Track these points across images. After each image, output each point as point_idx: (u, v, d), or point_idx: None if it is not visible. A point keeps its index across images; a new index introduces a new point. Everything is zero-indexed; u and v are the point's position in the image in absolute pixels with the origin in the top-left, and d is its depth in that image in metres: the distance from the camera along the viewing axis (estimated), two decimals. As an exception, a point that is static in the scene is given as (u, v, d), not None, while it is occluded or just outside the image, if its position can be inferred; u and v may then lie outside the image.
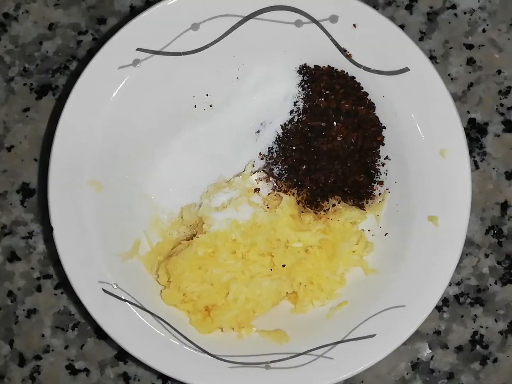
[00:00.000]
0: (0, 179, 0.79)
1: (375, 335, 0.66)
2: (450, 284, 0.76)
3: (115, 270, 0.68)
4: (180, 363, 0.66)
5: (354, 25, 0.68)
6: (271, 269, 0.69)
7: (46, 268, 0.78)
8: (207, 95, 0.74)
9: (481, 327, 0.77)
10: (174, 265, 0.68)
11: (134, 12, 0.81)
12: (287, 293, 0.70)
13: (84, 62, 0.79)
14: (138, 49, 0.69)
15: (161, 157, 0.73)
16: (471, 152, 0.78)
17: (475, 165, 0.78)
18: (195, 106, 0.74)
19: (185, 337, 0.67)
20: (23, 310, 0.78)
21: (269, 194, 0.71)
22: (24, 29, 0.82)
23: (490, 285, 0.77)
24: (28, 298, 0.78)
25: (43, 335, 0.78)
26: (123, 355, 0.76)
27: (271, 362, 0.66)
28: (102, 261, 0.68)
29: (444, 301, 0.77)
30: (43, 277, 0.78)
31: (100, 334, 0.77)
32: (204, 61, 0.71)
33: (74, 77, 0.76)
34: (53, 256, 0.78)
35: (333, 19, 0.68)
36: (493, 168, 0.78)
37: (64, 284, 0.77)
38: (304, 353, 0.66)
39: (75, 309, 0.77)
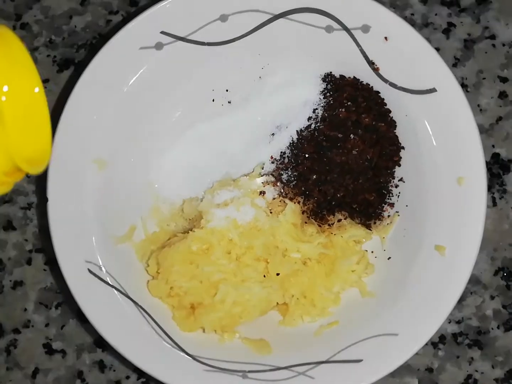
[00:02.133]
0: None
1: (361, 360, 0.63)
2: (449, 321, 0.73)
3: (105, 253, 0.66)
4: (155, 358, 0.63)
5: (386, 38, 0.66)
6: (264, 276, 0.66)
7: (39, 241, 0.77)
8: (226, 90, 0.73)
9: (476, 371, 0.73)
10: (165, 256, 0.65)
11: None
12: (277, 303, 0.67)
13: (110, 41, 0.78)
14: (162, 32, 0.67)
15: (170, 146, 0.72)
16: (490, 187, 0.75)
17: (493, 202, 0.75)
18: (213, 100, 0.73)
19: (165, 332, 0.65)
20: (10, 280, 0.76)
21: (274, 199, 0.69)
22: (56, 1, 0.82)
23: (492, 328, 0.73)
24: (16, 270, 0.77)
25: (25, 309, 0.76)
26: (102, 342, 0.74)
27: (249, 371, 0.63)
28: (94, 240, 0.66)
29: (441, 338, 0.73)
30: (35, 251, 0.77)
31: (83, 317, 0.74)
32: (228, 55, 0.70)
33: (98, 55, 0.75)
34: (48, 231, 0.76)
35: (365, 29, 0.66)
36: (511, 208, 0.74)
37: (54, 261, 0.75)
38: (285, 368, 0.63)
39: (62, 288, 0.75)
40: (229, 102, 0.73)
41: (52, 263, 0.76)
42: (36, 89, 0.39)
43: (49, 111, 0.41)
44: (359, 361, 0.63)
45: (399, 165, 0.69)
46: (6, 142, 0.35)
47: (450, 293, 0.63)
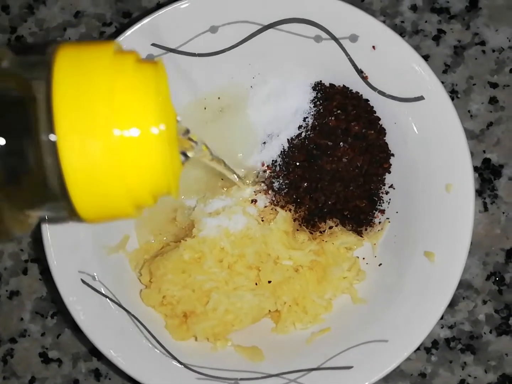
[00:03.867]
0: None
1: (352, 367, 0.63)
2: (442, 326, 0.73)
3: (98, 263, 0.67)
4: (148, 367, 0.64)
5: (374, 47, 0.66)
6: (256, 284, 0.67)
7: (35, 251, 0.78)
8: (218, 98, 0.73)
9: (469, 376, 0.73)
10: (157, 266, 0.66)
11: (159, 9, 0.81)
12: (269, 310, 0.68)
13: (103, 52, 0.79)
14: (153, 45, 0.68)
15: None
16: (481, 193, 0.75)
17: (484, 207, 0.75)
18: (204, 108, 0.73)
19: (157, 341, 0.65)
20: (6, 290, 0.77)
21: (265, 207, 0.69)
22: (51, 13, 0.83)
23: (485, 333, 0.73)
24: (13, 279, 0.77)
25: (21, 319, 0.77)
26: (97, 351, 0.74)
27: (241, 379, 0.64)
28: (87, 251, 0.66)
29: (434, 343, 0.73)
30: (31, 260, 0.78)
31: (78, 326, 0.75)
32: (219, 65, 0.70)
33: (90, 66, 0.76)
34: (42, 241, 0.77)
35: (353, 38, 0.67)
36: (503, 213, 0.75)
37: (49, 271, 0.76)
38: (276, 375, 0.64)
39: (57, 298, 0.76)
40: (220, 111, 0.73)
41: (47, 273, 0.77)
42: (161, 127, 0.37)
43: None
44: (350, 367, 0.63)
45: (389, 172, 0.70)
46: (168, 164, 0.35)
47: (440, 299, 0.63)
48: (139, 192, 0.35)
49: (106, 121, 0.32)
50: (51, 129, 0.31)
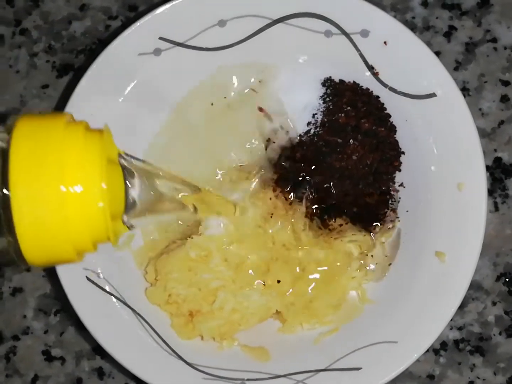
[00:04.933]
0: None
1: (361, 368, 0.62)
2: (451, 328, 0.72)
3: (104, 260, 0.66)
4: (153, 366, 0.63)
5: (385, 42, 0.65)
6: (263, 283, 0.66)
7: (38, 248, 0.77)
8: (224, 97, 0.72)
9: (478, 378, 0.72)
10: (163, 264, 0.65)
11: (166, 2, 0.79)
12: (276, 310, 0.67)
13: (109, 46, 0.77)
14: (160, 38, 0.67)
15: (168, 151, 0.71)
16: (492, 192, 0.74)
17: (495, 207, 0.74)
18: (211, 104, 0.72)
19: (163, 340, 0.64)
20: (9, 287, 0.76)
21: (274, 202, 0.68)
22: (56, 6, 0.81)
23: (494, 335, 0.72)
24: (16, 276, 0.76)
25: (24, 316, 0.76)
26: (101, 349, 0.73)
27: (248, 380, 0.63)
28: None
29: (443, 344, 0.72)
30: (34, 257, 0.77)
31: (82, 324, 0.74)
32: (227, 59, 0.69)
33: (97, 60, 0.75)
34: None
35: (364, 33, 0.65)
36: (514, 213, 0.74)
37: (53, 267, 0.75)
38: (284, 375, 0.63)
39: (61, 295, 0.75)
40: (228, 106, 0.72)
41: (50, 269, 0.76)
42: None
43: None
44: (358, 369, 0.62)
45: (400, 170, 0.69)
46: (106, 217, 0.40)
47: (450, 301, 0.62)
48: (81, 241, 0.40)
49: (54, 178, 0.38)
50: (6, 184, 0.37)
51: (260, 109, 0.66)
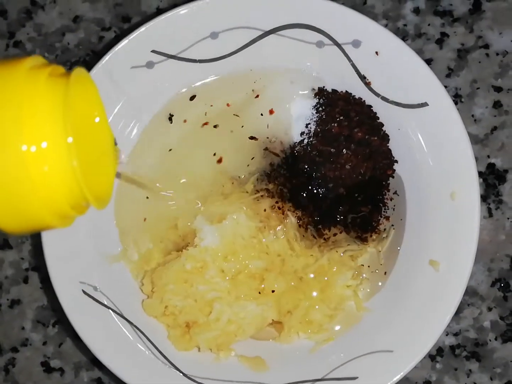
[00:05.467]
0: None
1: (357, 377, 0.62)
2: (447, 334, 0.73)
3: (99, 272, 0.66)
4: (150, 378, 0.63)
5: (377, 52, 0.65)
6: (259, 293, 0.66)
7: (36, 260, 0.77)
8: (219, 105, 0.72)
9: (475, 383, 0.72)
10: (159, 276, 0.65)
11: (159, 14, 0.80)
12: (273, 320, 0.67)
13: (102, 58, 0.78)
14: (153, 51, 0.67)
15: (164, 160, 0.72)
16: (486, 198, 0.74)
17: (489, 213, 0.74)
18: (205, 114, 0.72)
19: (160, 351, 0.65)
20: (7, 299, 0.77)
21: (268, 213, 0.69)
22: (49, 18, 0.82)
23: (490, 340, 0.73)
24: (13, 288, 0.77)
25: (23, 328, 0.76)
26: (99, 360, 0.74)
27: (245, 390, 0.63)
28: (88, 261, 0.66)
29: (439, 350, 0.73)
30: (31, 269, 0.77)
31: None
32: (219, 71, 0.70)
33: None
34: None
35: (356, 44, 0.66)
36: (508, 218, 0.74)
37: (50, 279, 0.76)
38: (281, 386, 0.63)
39: (59, 306, 0.75)
40: (221, 116, 0.73)
41: (48, 281, 0.75)
42: (97, 119, 0.42)
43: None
44: (355, 378, 0.62)
45: (393, 177, 0.69)
46: (78, 176, 0.36)
47: (446, 309, 0.62)
48: (55, 203, 0.36)
49: (14, 137, 0.34)
50: None
51: (271, 112, 0.67)
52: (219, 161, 0.70)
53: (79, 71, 0.40)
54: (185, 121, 0.72)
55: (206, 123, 0.72)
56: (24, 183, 0.35)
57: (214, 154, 0.72)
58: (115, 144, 0.45)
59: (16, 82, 0.35)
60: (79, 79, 0.40)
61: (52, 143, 0.35)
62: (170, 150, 0.72)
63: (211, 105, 0.72)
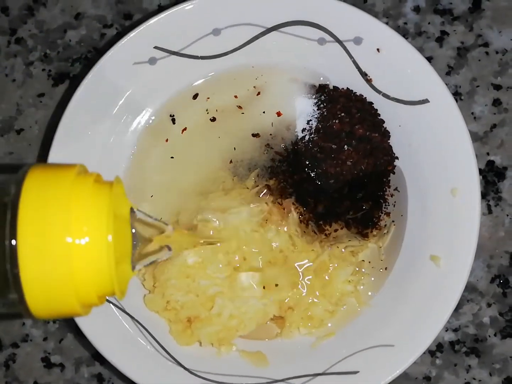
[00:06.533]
0: (5, 160, 0.79)
1: (358, 372, 0.63)
2: (446, 330, 0.73)
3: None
4: (152, 372, 0.63)
5: (378, 50, 0.66)
6: (263, 287, 0.66)
7: (37, 256, 0.77)
8: (220, 102, 0.73)
9: (474, 379, 0.73)
10: (161, 271, 0.66)
11: (161, 11, 0.80)
12: (274, 315, 0.67)
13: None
14: (155, 47, 0.68)
15: (165, 155, 0.72)
16: (485, 195, 0.75)
17: (488, 210, 0.75)
18: (206, 110, 0.73)
19: (162, 346, 0.65)
20: (8, 295, 0.77)
21: (270, 208, 0.69)
22: (51, 15, 0.82)
23: (489, 336, 0.73)
24: (14, 284, 0.77)
25: (23, 324, 0.76)
26: (100, 356, 0.74)
27: (246, 385, 0.63)
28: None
29: (439, 346, 0.73)
30: (32, 265, 0.77)
31: (81, 330, 0.74)
32: (221, 67, 0.70)
33: (92, 68, 0.76)
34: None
35: (357, 41, 0.66)
36: (507, 215, 0.75)
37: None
38: (282, 380, 0.63)
39: (60, 302, 0.76)
40: (223, 111, 0.73)
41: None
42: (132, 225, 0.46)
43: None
44: (356, 372, 0.63)
45: (393, 173, 0.70)
46: (112, 271, 0.40)
47: (446, 304, 0.63)
48: (86, 294, 0.39)
49: (60, 230, 0.37)
50: (14, 235, 0.37)
51: (278, 114, 0.68)
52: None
53: (118, 179, 0.44)
54: (185, 129, 0.72)
55: (208, 120, 0.72)
56: (64, 273, 0.38)
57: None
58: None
59: (66, 186, 0.39)
60: (117, 185, 0.44)
61: (94, 240, 0.38)
62: (172, 157, 0.72)
63: (213, 102, 0.73)
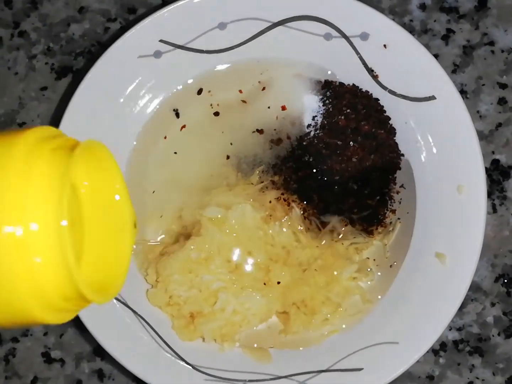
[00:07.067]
0: (7, 154, 0.78)
1: (362, 369, 0.62)
2: (450, 329, 0.73)
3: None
4: (154, 367, 0.63)
5: (385, 46, 0.65)
6: (264, 284, 0.66)
7: (38, 250, 0.77)
8: (225, 96, 0.72)
9: (477, 378, 0.72)
10: (164, 265, 0.65)
11: (165, 5, 0.79)
12: (277, 311, 0.67)
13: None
14: (161, 41, 0.67)
15: (169, 150, 0.71)
16: (490, 194, 0.75)
17: (493, 209, 0.74)
18: (210, 105, 0.72)
19: (164, 341, 0.64)
20: (8, 289, 0.76)
21: (274, 204, 0.68)
22: (55, 9, 0.81)
23: (493, 335, 0.73)
24: (15, 278, 0.76)
25: (24, 318, 0.76)
26: (101, 351, 0.74)
27: (249, 381, 0.63)
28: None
29: (442, 345, 0.73)
30: (33, 259, 0.76)
31: (82, 325, 0.74)
32: (226, 61, 0.70)
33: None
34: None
35: (364, 36, 0.66)
36: (512, 214, 0.74)
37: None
38: (285, 377, 0.63)
39: (60, 297, 0.75)
40: (227, 108, 0.73)
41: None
42: (117, 197, 0.37)
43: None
44: (360, 369, 0.62)
45: (400, 169, 0.69)
46: (70, 265, 0.31)
47: (450, 302, 0.62)
48: (44, 294, 0.31)
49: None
50: None
51: (283, 108, 0.69)
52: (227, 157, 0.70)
53: (89, 143, 0.35)
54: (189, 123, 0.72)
55: (211, 114, 0.72)
56: (4, 270, 0.30)
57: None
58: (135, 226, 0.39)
59: (12, 160, 0.30)
60: (91, 152, 0.35)
61: (42, 227, 0.30)
62: (175, 153, 0.72)
63: (217, 96, 0.72)
